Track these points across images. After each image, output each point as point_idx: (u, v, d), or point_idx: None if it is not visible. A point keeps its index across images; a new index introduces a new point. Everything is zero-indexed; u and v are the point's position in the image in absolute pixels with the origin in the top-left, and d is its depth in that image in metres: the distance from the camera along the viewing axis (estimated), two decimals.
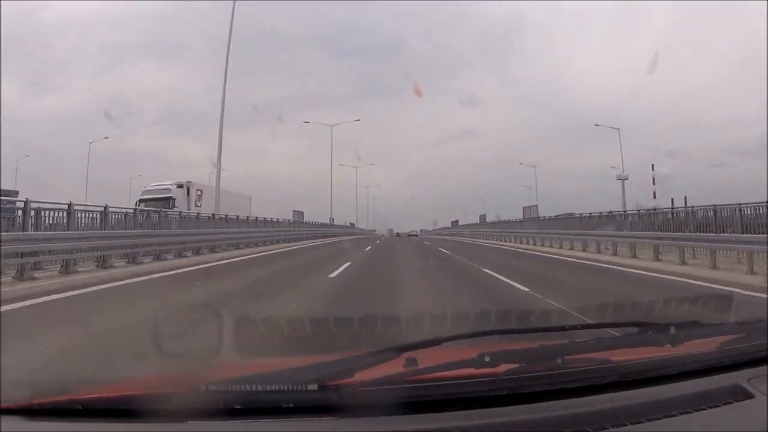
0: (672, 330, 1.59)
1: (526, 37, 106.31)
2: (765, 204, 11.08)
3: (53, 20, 78.17)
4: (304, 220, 35.75)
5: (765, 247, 9.79)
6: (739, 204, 11.86)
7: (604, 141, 72.76)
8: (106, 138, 43.27)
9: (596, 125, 43.95)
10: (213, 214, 19.98)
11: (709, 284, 8.63)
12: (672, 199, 36.17)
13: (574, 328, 1.91)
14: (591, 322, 4.27)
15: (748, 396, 1.37)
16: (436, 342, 1.51)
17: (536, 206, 42.97)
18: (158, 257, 13.23)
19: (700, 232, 12.61)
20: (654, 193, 39.76)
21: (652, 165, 43.22)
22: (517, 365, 1.40)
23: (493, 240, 33.80)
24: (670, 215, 15.26)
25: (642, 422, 1.25)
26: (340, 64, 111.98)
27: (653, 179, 41.86)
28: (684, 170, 65.06)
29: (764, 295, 6.58)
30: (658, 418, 1.27)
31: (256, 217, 24.79)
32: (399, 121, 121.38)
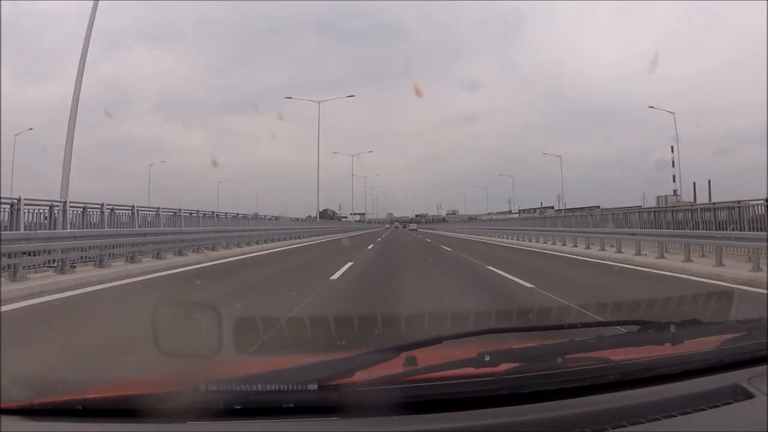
0: (672, 328, 1.58)
1: (528, 23, 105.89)
2: None
3: (47, 7, 77.51)
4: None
5: None
6: None
7: (605, 128, 72.62)
8: None
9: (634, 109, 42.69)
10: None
11: None
12: (694, 183, 35.74)
13: (573, 326, 1.90)
14: (591, 320, 4.28)
15: (749, 396, 1.37)
16: (436, 340, 1.50)
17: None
18: (100, 263, 10.82)
19: None
20: (674, 177, 39.55)
21: (672, 147, 41.93)
22: (517, 364, 1.40)
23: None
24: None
25: (642, 423, 1.25)
26: (339, 49, 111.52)
27: (672, 162, 41.03)
28: (689, 157, 64.79)
29: None
30: (658, 419, 1.26)
31: None
32: (399, 108, 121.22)
